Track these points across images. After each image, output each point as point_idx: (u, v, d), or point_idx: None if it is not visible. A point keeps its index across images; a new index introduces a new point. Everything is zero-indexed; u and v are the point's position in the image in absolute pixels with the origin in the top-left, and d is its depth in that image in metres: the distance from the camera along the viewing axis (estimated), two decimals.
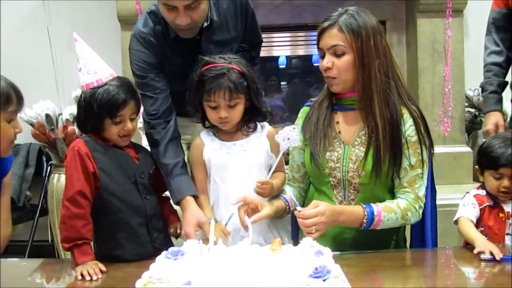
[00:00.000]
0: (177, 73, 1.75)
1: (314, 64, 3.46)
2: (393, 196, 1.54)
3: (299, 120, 1.65)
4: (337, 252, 1.37)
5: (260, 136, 1.64)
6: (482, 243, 1.44)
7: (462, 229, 1.57)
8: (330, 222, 1.38)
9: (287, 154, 1.65)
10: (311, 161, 1.54)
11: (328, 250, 1.15)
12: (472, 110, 3.21)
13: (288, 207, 1.59)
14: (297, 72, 3.47)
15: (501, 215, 1.64)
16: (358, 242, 1.52)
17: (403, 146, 1.48)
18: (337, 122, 1.56)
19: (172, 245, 1.53)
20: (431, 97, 3.08)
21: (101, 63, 1.54)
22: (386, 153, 1.45)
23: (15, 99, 1.16)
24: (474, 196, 1.68)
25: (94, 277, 1.32)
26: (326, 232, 1.41)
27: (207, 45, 1.77)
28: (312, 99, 1.67)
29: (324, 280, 0.99)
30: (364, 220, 1.43)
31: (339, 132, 1.54)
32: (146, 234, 1.51)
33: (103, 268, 1.37)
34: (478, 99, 3.17)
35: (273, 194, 1.59)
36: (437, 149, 2.87)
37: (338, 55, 1.47)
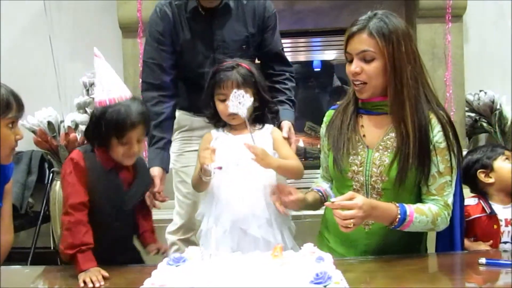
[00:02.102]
0: (189, 55, 1.89)
1: (315, 70, 3.47)
2: (417, 202, 1.50)
3: (324, 124, 1.64)
4: (338, 258, 1.37)
5: (264, 133, 1.67)
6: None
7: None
8: (365, 217, 1.34)
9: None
10: (334, 165, 1.53)
11: (329, 256, 1.15)
12: (473, 114, 3.22)
13: (322, 197, 1.60)
14: (298, 78, 3.48)
15: (495, 226, 1.66)
16: (381, 251, 1.49)
17: (431, 153, 1.45)
18: (362, 126, 1.53)
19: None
20: None
21: (117, 83, 1.51)
22: (414, 161, 1.43)
23: (14, 106, 1.17)
24: (464, 207, 1.70)
25: (97, 284, 1.32)
26: (347, 238, 1.39)
27: (219, 31, 1.88)
28: (338, 102, 1.65)
29: (325, 286, 0.99)
30: (397, 219, 1.39)
31: (363, 135, 1.52)
32: (109, 252, 1.50)
33: (106, 274, 1.37)
34: (478, 104, 3.18)
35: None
36: None
37: (367, 61, 1.44)
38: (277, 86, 1.95)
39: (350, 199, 1.33)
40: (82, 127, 3.26)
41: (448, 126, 1.48)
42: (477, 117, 3.21)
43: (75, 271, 1.39)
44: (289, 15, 3.21)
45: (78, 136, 3.19)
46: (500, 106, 3.15)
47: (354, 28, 1.45)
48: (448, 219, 1.47)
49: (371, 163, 1.48)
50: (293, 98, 1.96)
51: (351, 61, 1.48)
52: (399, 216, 1.39)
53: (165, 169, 1.78)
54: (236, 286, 1.01)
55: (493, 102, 3.16)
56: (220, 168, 1.54)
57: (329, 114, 1.64)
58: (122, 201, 1.51)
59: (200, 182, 1.61)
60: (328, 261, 1.13)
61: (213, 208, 1.65)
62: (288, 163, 1.62)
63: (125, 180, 1.53)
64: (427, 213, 1.43)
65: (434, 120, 1.47)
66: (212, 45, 1.91)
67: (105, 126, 1.44)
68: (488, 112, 3.17)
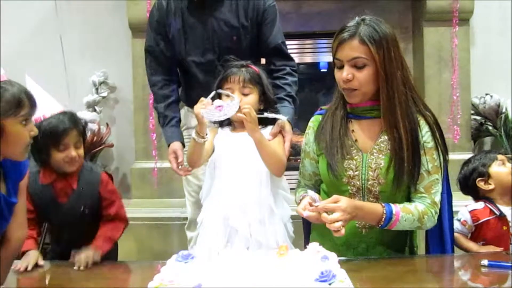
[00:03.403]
0: (180, 43, 1.97)
1: (322, 70, 3.49)
2: (410, 201, 1.52)
3: (310, 129, 1.63)
4: (343, 258, 1.39)
5: (265, 133, 1.69)
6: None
7: (457, 243, 1.66)
8: (351, 218, 1.37)
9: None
10: (328, 170, 1.53)
11: (334, 255, 1.18)
12: (478, 118, 3.23)
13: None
14: (304, 79, 3.50)
15: (504, 228, 1.67)
16: (371, 250, 1.52)
17: (421, 153, 1.48)
18: (353, 131, 1.54)
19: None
20: (438, 105, 3.10)
21: (48, 100, 1.66)
22: (410, 163, 1.45)
23: (27, 103, 1.20)
24: (470, 212, 1.72)
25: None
26: (338, 239, 1.41)
27: (210, 20, 1.94)
28: (323, 107, 1.65)
29: (329, 284, 1.01)
30: (383, 218, 1.41)
31: (356, 140, 1.53)
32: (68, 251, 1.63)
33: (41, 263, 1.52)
34: (484, 107, 3.19)
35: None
36: None
37: (358, 67, 1.44)
38: (277, 82, 1.94)
39: (334, 202, 1.35)
40: (91, 125, 3.30)
41: (435, 126, 1.50)
42: (483, 121, 3.22)
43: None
44: (296, 17, 3.23)
45: (87, 134, 3.23)
46: (506, 109, 3.16)
47: (345, 35, 1.44)
48: (436, 218, 1.49)
49: (367, 167, 1.49)
50: (293, 93, 1.94)
51: (340, 67, 1.47)
52: (385, 215, 1.41)
53: (183, 143, 1.96)
54: (242, 282, 1.04)
55: (498, 105, 3.17)
56: (221, 107, 1.56)
57: (316, 119, 1.63)
58: (61, 212, 1.66)
59: (194, 150, 1.66)
60: (333, 260, 1.15)
61: (208, 202, 1.71)
62: (271, 147, 1.63)
63: (64, 193, 1.66)
64: (413, 211, 1.45)
65: (422, 122, 1.49)
66: (202, 34, 1.96)
67: (42, 138, 1.52)
68: (494, 116, 3.18)
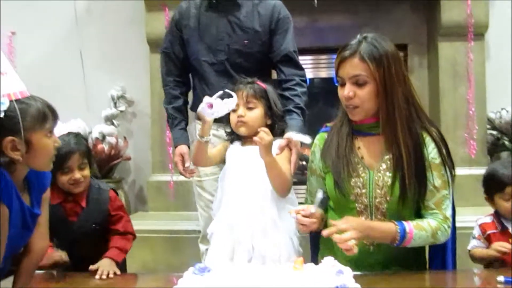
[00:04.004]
0: (193, 42, 2.06)
1: (336, 85, 3.50)
2: (418, 217, 1.52)
3: (316, 147, 1.63)
4: (358, 272, 1.40)
5: (273, 147, 1.70)
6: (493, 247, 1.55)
7: (475, 255, 1.66)
8: (363, 236, 1.38)
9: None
10: (335, 188, 1.52)
11: (349, 270, 1.19)
12: (494, 132, 3.21)
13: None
14: (319, 93, 3.52)
15: (510, 240, 1.66)
16: (378, 267, 1.52)
17: (427, 169, 1.48)
18: (358, 148, 1.54)
19: None
20: (453, 119, 3.09)
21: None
22: (412, 180, 1.45)
23: (50, 116, 1.25)
24: (480, 225, 1.71)
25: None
26: (347, 255, 1.41)
27: (224, 21, 2.03)
28: (328, 124, 1.65)
29: None
30: (397, 237, 1.42)
31: (362, 157, 1.53)
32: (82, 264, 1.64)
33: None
34: (500, 122, 3.17)
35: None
36: (460, 171, 2.90)
37: (359, 85, 1.45)
38: (286, 93, 1.97)
39: (346, 222, 1.37)
40: (109, 139, 3.36)
41: (441, 142, 1.50)
42: (499, 135, 3.20)
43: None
44: (311, 32, 3.26)
45: (105, 147, 3.29)
46: None
47: (346, 53, 1.46)
48: (449, 232, 1.49)
49: (374, 184, 1.49)
50: (301, 105, 1.95)
51: (342, 85, 1.49)
52: (399, 235, 1.42)
53: (189, 145, 2.05)
54: None
55: None
56: (211, 105, 1.61)
57: (321, 137, 1.63)
58: (71, 230, 1.69)
59: (198, 150, 1.72)
60: (347, 274, 1.16)
61: (218, 214, 1.76)
62: (281, 169, 1.66)
63: (73, 212, 1.70)
64: (426, 228, 1.45)
65: (428, 138, 1.49)
66: (215, 35, 2.04)
67: None
68: (510, 130, 3.15)
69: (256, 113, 1.73)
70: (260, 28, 2.02)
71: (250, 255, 1.63)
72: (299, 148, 1.75)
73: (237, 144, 1.79)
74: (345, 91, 1.47)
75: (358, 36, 1.49)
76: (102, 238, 1.74)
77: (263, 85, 1.76)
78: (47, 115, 1.24)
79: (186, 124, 2.13)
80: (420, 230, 1.44)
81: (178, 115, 2.11)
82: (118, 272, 1.55)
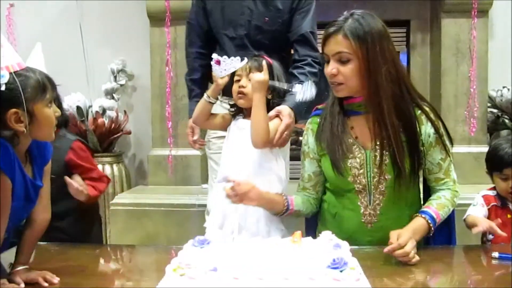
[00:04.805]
0: (216, 15, 2.07)
1: None
2: (415, 192, 1.57)
3: (309, 130, 1.63)
4: (355, 247, 1.42)
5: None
6: (482, 222, 1.56)
7: (469, 221, 1.66)
8: (415, 243, 1.39)
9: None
10: (333, 169, 1.53)
11: (346, 244, 1.21)
12: (495, 110, 3.21)
13: (287, 206, 1.58)
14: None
15: (509, 216, 1.68)
16: (375, 244, 1.53)
17: (430, 146, 1.51)
18: (352, 128, 1.54)
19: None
20: (454, 97, 3.09)
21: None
22: (404, 156, 1.46)
23: (49, 86, 1.26)
24: (483, 196, 1.73)
25: None
26: (344, 232, 1.45)
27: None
28: (319, 106, 1.65)
29: (341, 271, 1.04)
30: (431, 227, 1.46)
31: (356, 137, 1.53)
32: None
33: None
34: (501, 100, 3.17)
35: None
36: (460, 149, 2.92)
37: (343, 62, 1.44)
38: (294, 71, 1.98)
39: (399, 236, 1.36)
40: (109, 113, 3.36)
41: (434, 116, 1.52)
42: (499, 113, 3.20)
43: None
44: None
45: (106, 121, 3.30)
46: None
47: (330, 30, 1.45)
48: (459, 192, 1.56)
49: (371, 164, 1.50)
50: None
51: (328, 62, 1.48)
52: (431, 224, 1.46)
53: None
54: (256, 267, 1.08)
55: None
56: (218, 62, 1.66)
57: (313, 120, 1.62)
58: None
59: (201, 109, 1.76)
60: (344, 248, 1.18)
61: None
62: (265, 115, 1.66)
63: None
64: (446, 203, 1.51)
65: (423, 116, 1.51)
66: (238, 9, 2.04)
67: None
68: (510, 108, 3.16)
69: None
70: (282, 6, 2.01)
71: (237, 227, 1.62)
72: (291, 121, 1.73)
73: (239, 118, 1.80)
74: (329, 68, 1.47)
75: (345, 12, 1.48)
76: (64, 195, 1.72)
77: (269, 59, 1.76)
78: (46, 86, 1.25)
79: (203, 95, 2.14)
80: (443, 208, 1.50)
81: (195, 87, 2.13)
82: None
